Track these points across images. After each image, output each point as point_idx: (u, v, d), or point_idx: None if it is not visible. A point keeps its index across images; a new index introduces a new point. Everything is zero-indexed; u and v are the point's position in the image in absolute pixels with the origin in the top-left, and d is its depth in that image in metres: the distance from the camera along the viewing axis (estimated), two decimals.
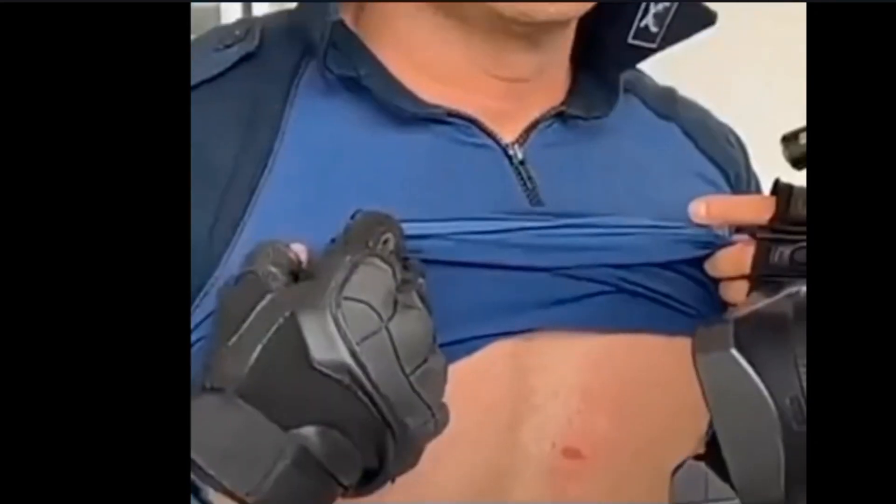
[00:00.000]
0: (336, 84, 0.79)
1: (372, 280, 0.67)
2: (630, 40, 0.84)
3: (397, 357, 0.66)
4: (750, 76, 2.19)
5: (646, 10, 0.83)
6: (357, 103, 0.79)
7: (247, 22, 0.82)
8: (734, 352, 0.65)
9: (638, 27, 0.83)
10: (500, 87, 0.82)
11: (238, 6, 2.13)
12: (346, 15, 0.81)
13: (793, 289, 0.69)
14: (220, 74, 0.78)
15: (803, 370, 0.64)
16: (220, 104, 0.77)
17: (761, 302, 0.71)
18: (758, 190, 0.94)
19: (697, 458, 0.70)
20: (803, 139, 0.78)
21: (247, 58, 0.79)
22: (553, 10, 0.77)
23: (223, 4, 2.14)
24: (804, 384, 0.64)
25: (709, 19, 0.84)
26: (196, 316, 0.72)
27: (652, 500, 0.83)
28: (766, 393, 0.64)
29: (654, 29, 0.83)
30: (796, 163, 0.76)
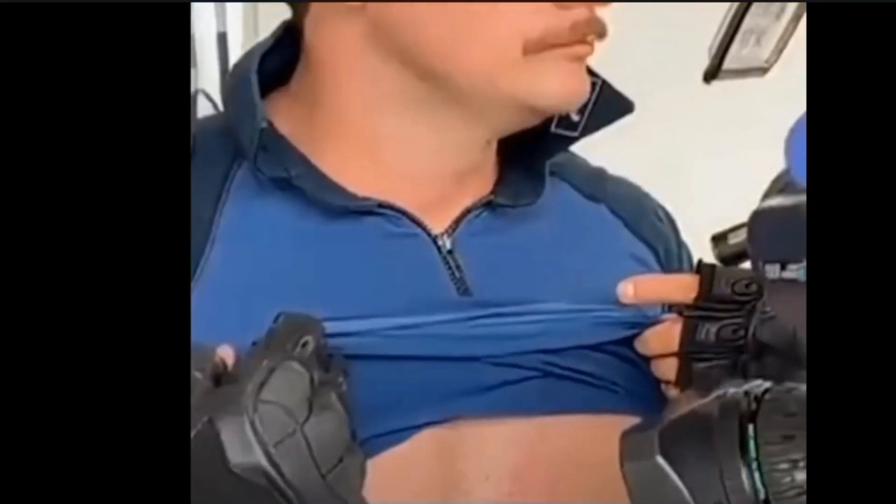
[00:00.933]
0: (268, 184, 0.83)
1: (288, 383, 0.69)
2: (553, 129, 0.87)
3: (313, 458, 0.68)
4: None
5: None
6: (290, 201, 0.83)
7: None
8: (659, 459, 0.67)
9: (560, 116, 0.86)
10: (445, 178, 0.85)
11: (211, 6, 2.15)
12: (280, 115, 0.84)
13: (721, 391, 0.72)
14: None
15: (727, 478, 0.66)
16: None
17: (688, 406, 0.74)
18: (689, 261, 0.96)
19: None
20: (732, 239, 0.81)
21: None
22: (580, 98, 0.83)
23: (195, 4, 2.15)
24: (728, 490, 0.66)
25: (627, 107, 0.87)
26: None
27: None
28: (689, 498, 0.66)
29: (575, 117, 0.86)
30: (726, 261, 0.79)
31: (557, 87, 0.81)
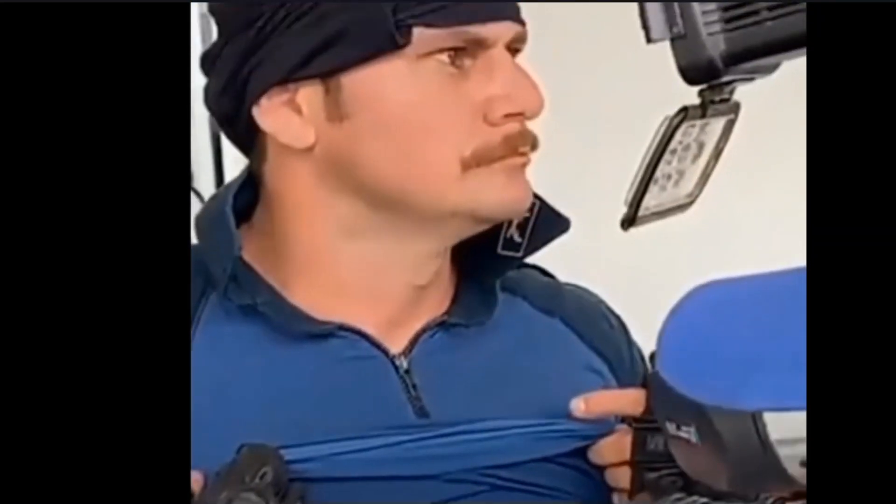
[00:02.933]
0: (235, 311, 0.88)
1: None
2: (500, 251, 0.92)
3: None
4: None
5: (510, 222, 0.91)
6: (256, 326, 0.88)
7: None
8: None
9: (505, 238, 0.91)
10: (404, 294, 0.90)
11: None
12: (247, 248, 0.89)
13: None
14: None
15: None
16: None
17: None
18: (641, 359, 1.01)
19: None
20: None
21: None
22: (520, 204, 0.88)
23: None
24: None
25: (564, 226, 0.92)
26: None
27: None
28: None
29: (517, 239, 0.91)
30: None
31: (496, 197, 0.87)
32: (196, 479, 0.79)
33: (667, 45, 0.70)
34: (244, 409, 0.85)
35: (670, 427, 0.62)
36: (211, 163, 2.19)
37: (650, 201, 0.75)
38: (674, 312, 0.57)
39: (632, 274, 1.96)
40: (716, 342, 0.56)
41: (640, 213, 0.74)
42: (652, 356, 0.89)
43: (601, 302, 1.03)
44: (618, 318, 1.02)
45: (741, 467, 0.57)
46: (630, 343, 1.02)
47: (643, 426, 0.86)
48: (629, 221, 0.73)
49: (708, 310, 0.58)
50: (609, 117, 2.17)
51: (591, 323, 1.00)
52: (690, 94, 0.72)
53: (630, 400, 0.88)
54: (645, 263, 1.99)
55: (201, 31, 2.15)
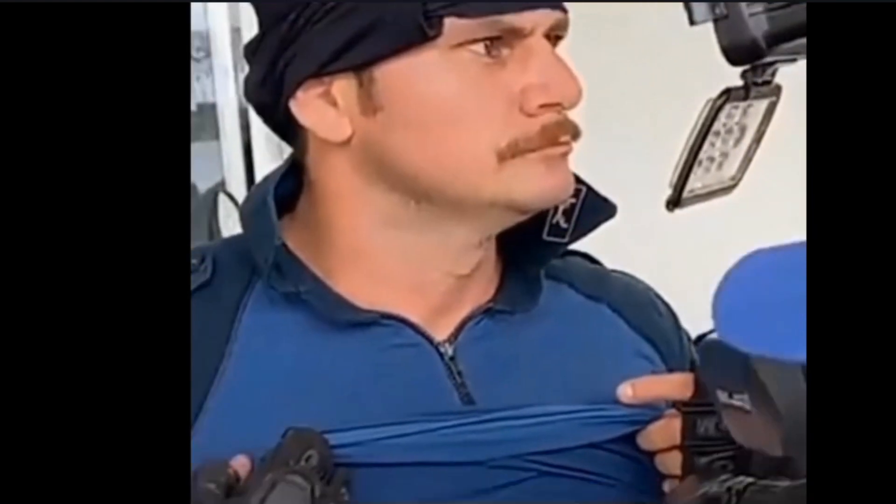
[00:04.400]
0: (280, 300, 0.89)
1: (288, 497, 0.75)
2: (545, 237, 0.92)
3: None
4: None
5: (556, 209, 0.91)
6: (300, 314, 0.88)
7: (200, 251, 0.92)
8: None
9: (550, 224, 0.91)
10: (447, 284, 0.90)
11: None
12: (291, 237, 0.90)
13: (706, 488, 0.77)
14: None
15: None
16: None
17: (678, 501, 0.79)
18: (690, 345, 1.00)
19: None
20: None
21: (200, 288, 0.88)
22: (558, 194, 0.87)
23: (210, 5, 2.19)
24: None
25: (610, 211, 0.92)
26: None
27: None
28: None
29: (563, 225, 0.91)
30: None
31: (534, 187, 0.86)
32: (243, 464, 0.79)
33: (701, 30, 0.70)
34: (288, 395, 0.85)
35: (723, 396, 0.62)
36: (242, 170, 2.21)
37: (695, 183, 0.75)
38: (728, 275, 0.58)
39: (675, 260, 1.96)
40: (769, 299, 0.56)
41: (685, 195, 0.74)
42: (699, 338, 0.89)
43: (649, 289, 1.02)
44: (666, 305, 1.02)
45: (794, 429, 0.57)
46: (679, 329, 1.01)
47: (693, 409, 0.86)
48: (674, 203, 0.74)
49: (761, 271, 0.58)
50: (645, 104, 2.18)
51: (640, 309, 0.99)
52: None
53: (678, 383, 0.88)
54: (688, 248, 1.99)
55: (231, 44, 2.18)
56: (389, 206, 0.88)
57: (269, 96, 0.88)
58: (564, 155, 0.88)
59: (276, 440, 0.80)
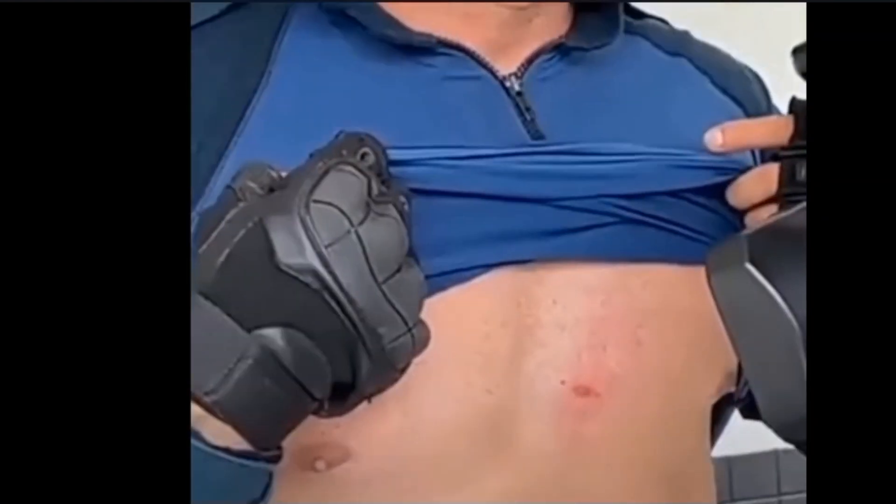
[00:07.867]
0: (325, 21, 0.79)
1: (343, 185, 0.65)
2: None
3: (367, 262, 0.63)
4: None
5: None
6: (347, 38, 0.78)
7: None
8: (749, 266, 0.61)
9: None
10: (503, 16, 0.79)
11: None
12: None
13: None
14: (209, 20, 0.78)
15: None
16: (207, 47, 0.76)
17: (776, 216, 0.68)
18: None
19: None
20: None
21: (236, 5, 0.79)
22: None
23: None
24: None
25: None
26: None
27: (673, 440, 0.79)
28: (784, 307, 0.60)
29: None
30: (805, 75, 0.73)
31: None
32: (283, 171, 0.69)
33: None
34: (333, 122, 0.72)
35: None
36: None
37: None
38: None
39: None
40: None
41: None
42: (793, 99, 0.78)
43: (738, 60, 0.91)
44: (757, 76, 0.91)
45: None
46: (769, 100, 0.90)
47: (792, 153, 0.75)
48: None
49: None
50: None
51: (725, 69, 0.88)
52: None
53: (773, 128, 0.77)
54: None
55: None
56: None
57: None
58: None
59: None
